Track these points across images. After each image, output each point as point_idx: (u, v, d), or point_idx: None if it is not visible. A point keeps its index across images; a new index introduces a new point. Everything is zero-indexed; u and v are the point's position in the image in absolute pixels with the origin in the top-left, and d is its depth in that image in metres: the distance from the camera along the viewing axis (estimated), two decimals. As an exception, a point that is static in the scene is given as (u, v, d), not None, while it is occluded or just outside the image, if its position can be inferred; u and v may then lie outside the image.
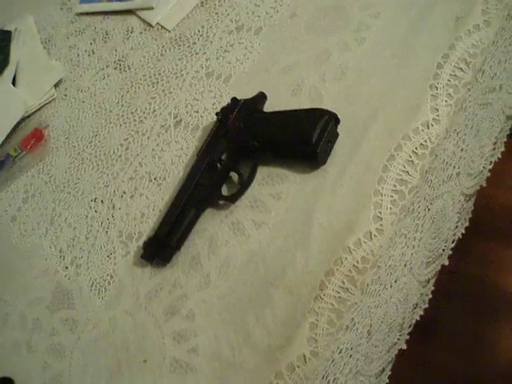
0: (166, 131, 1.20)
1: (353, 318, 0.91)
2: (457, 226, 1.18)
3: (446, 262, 1.12)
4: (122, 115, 1.27)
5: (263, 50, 1.20)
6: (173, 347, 0.96)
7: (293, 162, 1.01)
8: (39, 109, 1.37)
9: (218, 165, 1.03)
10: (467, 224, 1.18)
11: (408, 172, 0.94)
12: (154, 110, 1.24)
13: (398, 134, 0.96)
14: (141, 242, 1.09)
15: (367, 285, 0.91)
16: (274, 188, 1.01)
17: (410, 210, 0.96)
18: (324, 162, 0.97)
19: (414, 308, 1.10)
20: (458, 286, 1.38)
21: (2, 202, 1.30)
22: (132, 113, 1.26)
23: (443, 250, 1.14)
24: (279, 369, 0.86)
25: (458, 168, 1.09)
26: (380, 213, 0.92)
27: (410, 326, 1.09)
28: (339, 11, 1.15)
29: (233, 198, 1.01)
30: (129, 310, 1.03)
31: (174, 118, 1.21)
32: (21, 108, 1.33)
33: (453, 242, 1.15)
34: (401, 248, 0.98)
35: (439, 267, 1.10)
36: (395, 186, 0.93)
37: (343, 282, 0.89)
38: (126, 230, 1.12)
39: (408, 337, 1.06)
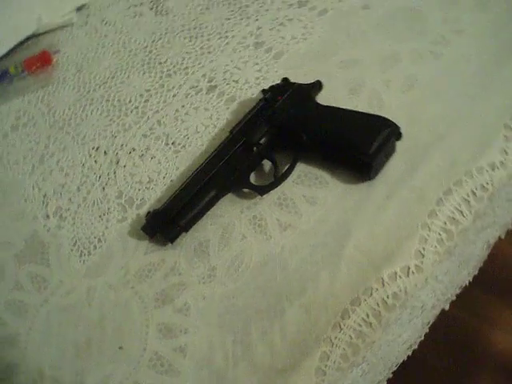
0: (196, 94, 1.06)
1: (365, 356, 0.80)
2: (469, 273, 1.10)
3: (447, 307, 1.06)
4: (148, 63, 1.13)
5: (325, 34, 1.07)
6: (157, 340, 0.83)
7: (338, 166, 0.89)
8: (54, 30, 1.20)
9: (255, 148, 0.90)
10: (476, 272, 1.11)
11: (462, 212, 0.85)
12: (187, 68, 1.10)
13: (460, 167, 0.87)
14: (141, 211, 0.95)
15: (389, 324, 0.80)
16: (311, 190, 0.89)
17: (452, 253, 0.86)
18: (374, 176, 0.86)
19: (408, 348, 1.01)
20: (448, 330, 1.30)
21: (-13, 122, 1.13)
22: (160, 63, 1.12)
23: (451, 295, 1.06)
24: (277, 396, 0.75)
25: (496, 216, 1.00)
26: (424, 249, 0.82)
27: (397, 365, 1.00)
28: (418, 17, 1.03)
29: (262, 190, 0.88)
30: (113, 285, 0.89)
31: (209, 82, 1.07)
32: (32, 23, 1.17)
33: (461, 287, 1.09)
34: (428, 290, 0.88)
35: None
36: (445, 224, 0.84)
37: (367, 316, 0.79)
38: (128, 192, 0.98)
39: (391, 375, 0.99)
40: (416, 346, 1.02)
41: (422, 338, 1.02)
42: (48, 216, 1.00)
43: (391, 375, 0.99)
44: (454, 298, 1.06)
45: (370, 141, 0.84)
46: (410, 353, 1.02)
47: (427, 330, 1.02)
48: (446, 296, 1.03)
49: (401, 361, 1.00)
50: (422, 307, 0.92)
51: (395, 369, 0.99)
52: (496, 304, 1.50)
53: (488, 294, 1.46)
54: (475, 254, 1.05)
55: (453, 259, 0.90)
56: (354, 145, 0.85)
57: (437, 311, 1.03)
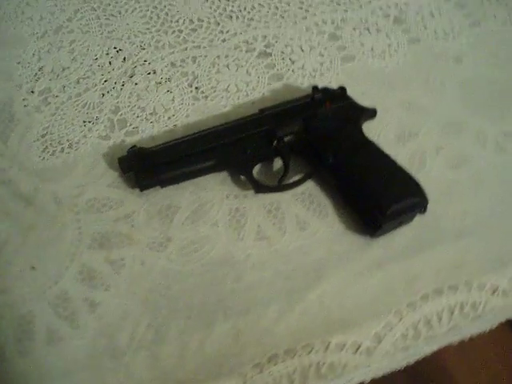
0: (246, 52, 0.94)
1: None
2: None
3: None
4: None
5: (404, 64, 0.96)
6: (73, 280, 0.74)
7: (348, 206, 0.79)
8: None
9: (275, 142, 0.79)
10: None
11: (440, 320, 0.77)
12: (252, 19, 0.99)
13: (463, 274, 0.78)
14: (129, 139, 0.85)
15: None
16: (307, 214, 0.80)
17: (408, 351, 0.77)
18: (377, 236, 0.77)
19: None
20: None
21: None
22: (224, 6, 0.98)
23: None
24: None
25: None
26: (384, 335, 0.75)
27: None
28: (507, 99, 0.92)
29: (259, 188, 0.78)
30: (59, 199, 0.79)
31: (265, 47, 0.95)
32: None
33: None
34: (366, 371, 0.79)
35: None
36: (418, 322, 0.76)
37: (294, 371, 0.71)
38: (125, 112, 0.87)
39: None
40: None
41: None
42: (33, 92, 0.88)
43: None
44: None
45: (392, 201, 0.74)
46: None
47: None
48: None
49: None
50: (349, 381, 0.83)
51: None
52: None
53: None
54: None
55: (405, 354, 0.81)
56: (375, 196, 0.75)
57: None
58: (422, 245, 0.79)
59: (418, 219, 0.78)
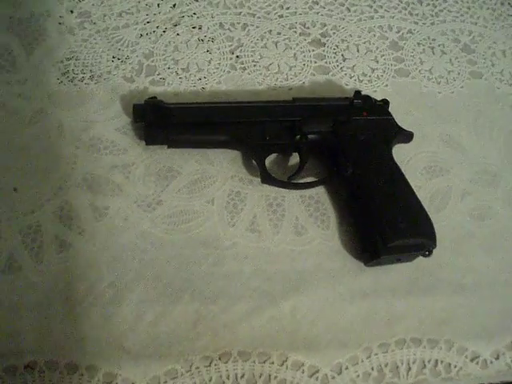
0: (300, 35, 0.89)
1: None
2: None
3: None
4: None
5: (459, 95, 0.90)
6: (49, 213, 0.71)
7: (353, 224, 0.74)
8: None
9: (298, 136, 0.74)
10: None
11: (409, 370, 0.73)
12: (316, 3, 0.92)
13: (448, 332, 0.74)
14: (153, 88, 0.81)
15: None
16: (308, 220, 0.77)
17: None
18: (371, 266, 0.72)
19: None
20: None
21: None
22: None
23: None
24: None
25: None
26: (346, 368, 0.72)
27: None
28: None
29: (266, 179, 0.74)
30: (63, 124, 0.77)
31: (321, 36, 0.90)
32: None
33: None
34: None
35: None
36: (385, 366, 0.72)
37: (241, 376, 0.67)
38: (157, 59, 0.84)
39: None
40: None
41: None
42: (72, 12, 0.85)
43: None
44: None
45: (399, 235, 0.69)
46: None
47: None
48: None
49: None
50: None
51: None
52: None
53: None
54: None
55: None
56: (383, 224, 0.70)
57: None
58: (415, 289, 0.74)
59: (419, 261, 0.73)
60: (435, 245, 0.71)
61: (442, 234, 0.73)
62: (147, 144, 0.73)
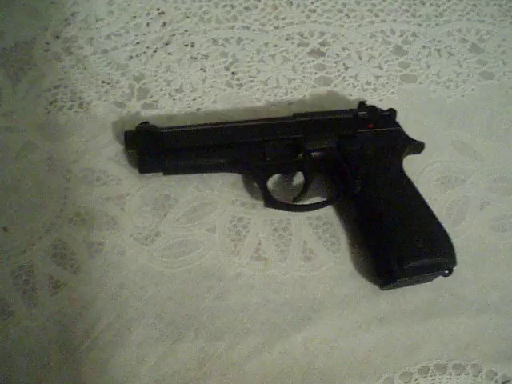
0: (299, 46, 0.85)
1: None
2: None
3: None
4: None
5: (470, 100, 0.84)
6: (41, 252, 0.68)
7: (365, 245, 0.69)
8: None
9: (301, 154, 0.69)
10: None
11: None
12: (313, 11, 0.87)
13: (473, 354, 0.67)
14: (145, 112, 0.77)
15: None
16: (317, 244, 0.72)
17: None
18: (387, 289, 0.67)
19: None
20: None
21: None
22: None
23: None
24: None
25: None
26: None
27: None
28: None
29: (269, 202, 0.69)
30: (52, 156, 0.73)
31: (321, 45, 0.86)
32: None
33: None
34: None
35: None
36: None
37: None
38: (149, 81, 0.80)
39: None
40: None
41: None
42: (58, 37, 0.81)
43: None
44: None
45: (416, 256, 0.64)
46: None
47: None
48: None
49: None
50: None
51: None
52: None
53: None
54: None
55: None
56: (398, 244, 0.65)
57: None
58: (436, 311, 0.69)
59: (439, 280, 0.68)
60: (455, 263, 0.66)
61: (461, 248, 0.68)
62: (141, 172, 0.69)
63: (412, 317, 0.68)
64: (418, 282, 0.67)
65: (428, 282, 0.68)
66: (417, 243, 0.65)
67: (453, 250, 0.66)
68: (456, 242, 0.67)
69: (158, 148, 0.68)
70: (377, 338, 0.67)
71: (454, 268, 0.67)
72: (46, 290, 0.65)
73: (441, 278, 0.67)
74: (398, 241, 0.65)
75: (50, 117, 0.75)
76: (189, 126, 0.72)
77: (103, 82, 0.78)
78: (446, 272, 0.66)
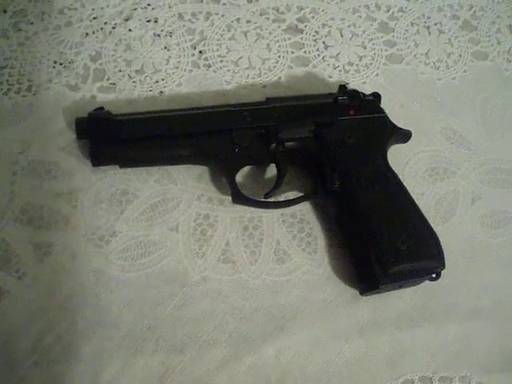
0: (273, 22, 0.78)
1: None
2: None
3: None
4: None
5: (461, 82, 0.78)
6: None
7: (344, 246, 0.62)
8: None
9: (273, 145, 0.62)
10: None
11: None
12: None
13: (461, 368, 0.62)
14: (101, 96, 0.69)
15: None
16: (290, 243, 0.66)
17: None
18: (368, 295, 0.60)
19: None
20: None
21: None
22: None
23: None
24: None
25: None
26: None
27: None
28: None
29: (237, 197, 0.63)
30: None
31: (297, 21, 0.79)
32: None
33: None
34: None
35: None
36: None
37: None
38: (106, 61, 0.72)
39: None
40: None
41: None
42: (6, 12, 0.72)
43: None
44: None
45: (400, 259, 0.59)
46: None
47: None
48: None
49: None
50: None
51: None
52: None
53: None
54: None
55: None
56: (380, 247, 0.58)
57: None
58: (421, 317, 0.65)
59: (426, 284, 0.62)
60: (443, 266, 0.60)
61: (450, 248, 0.63)
62: (94, 165, 0.62)
63: (395, 324, 0.63)
64: (402, 286, 0.61)
65: (414, 286, 0.62)
66: (402, 245, 0.59)
67: (441, 252, 0.60)
68: (445, 240, 0.61)
69: (113, 138, 0.61)
70: (356, 349, 0.61)
71: (442, 271, 0.60)
72: (-15, 299, 0.58)
73: (428, 281, 0.61)
74: (381, 242, 0.59)
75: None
76: (148, 112, 0.64)
77: (55, 63, 0.70)
78: (434, 276, 0.61)
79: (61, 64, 0.70)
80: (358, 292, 0.62)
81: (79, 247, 0.61)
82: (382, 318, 0.62)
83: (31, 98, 0.68)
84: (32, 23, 0.72)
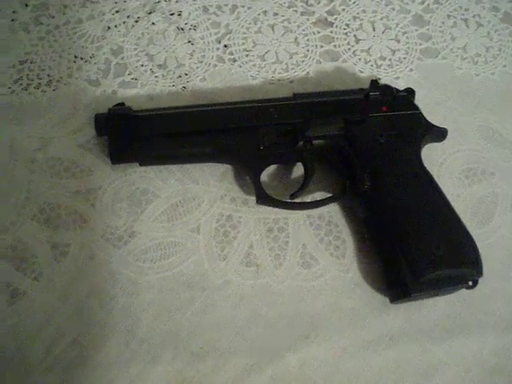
0: (301, 14, 0.75)
1: None
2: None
3: None
4: None
5: (501, 78, 0.74)
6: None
7: (375, 253, 0.59)
8: None
9: (301, 142, 0.59)
10: None
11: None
12: None
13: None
14: (122, 92, 0.67)
15: None
16: (317, 247, 0.63)
17: None
18: (400, 303, 0.57)
19: None
20: None
21: None
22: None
23: None
24: None
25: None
26: None
27: None
28: None
29: (262, 198, 0.60)
30: (14, 143, 0.65)
31: (327, 14, 0.74)
32: None
33: None
34: None
35: None
36: None
37: None
38: (128, 56, 0.71)
39: None
40: None
41: None
42: (27, 5, 0.71)
43: None
44: None
45: (434, 266, 0.55)
46: None
47: None
48: None
49: None
50: None
51: None
52: None
53: None
54: None
55: None
56: (413, 253, 0.55)
57: None
58: (456, 328, 0.61)
59: (461, 292, 0.59)
60: (481, 274, 0.56)
61: (488, 255, 0.59)
62: (113, 163, 0.60)
63: (428, 335, 0.59)
64: (436, 295, 0.58)
65: (449, 294, 0.58)
66: (436, 250, 0.55)
67: (479, 258, 0.56)
68: (482, 246, 0.57)
69: (133, 134, 0.59)
70: (386, 361, 0.58)
71: (480, 279, 0.56)
72: (2, 300, 0.57)
73: (464, 290, 0.57)
74: (414, 247, 0.55)
75: (13, 97, 0.67)
76: (170, 108, 0.62)
77: (76, 57, 0.69)
78: (470, 284, 0.57)
79: (82, 58, 0.69)
80: (388, 300, 0.59)
81: (97, 248, 0.59)
82: (413, 328, 0.59)
83: (51, 94, 0.67)
84: (53, 17, 0.71)
